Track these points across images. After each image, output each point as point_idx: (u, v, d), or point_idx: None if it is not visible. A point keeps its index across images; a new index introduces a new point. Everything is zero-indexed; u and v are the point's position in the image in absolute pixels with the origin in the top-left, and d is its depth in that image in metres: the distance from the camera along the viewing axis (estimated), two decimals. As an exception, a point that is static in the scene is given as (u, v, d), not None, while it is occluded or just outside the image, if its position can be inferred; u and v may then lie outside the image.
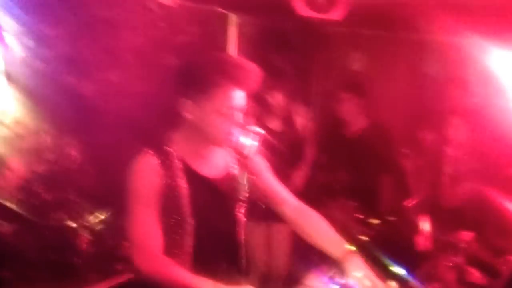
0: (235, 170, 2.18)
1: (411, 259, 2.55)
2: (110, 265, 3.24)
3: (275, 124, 3.72)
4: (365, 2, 3.47)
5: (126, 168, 1.99)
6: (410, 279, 2.36)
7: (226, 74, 1.92)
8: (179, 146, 2.05)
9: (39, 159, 2.82)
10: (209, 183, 2.08)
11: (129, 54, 3.08)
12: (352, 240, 2.62)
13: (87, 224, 3.06)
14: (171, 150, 2.03)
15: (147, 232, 1.94)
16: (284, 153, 3.51)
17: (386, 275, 2.33)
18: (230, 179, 2.15)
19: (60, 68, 2.81)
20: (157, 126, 2.12)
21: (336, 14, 3.45)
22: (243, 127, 2.03)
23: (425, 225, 2.71)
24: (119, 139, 2.96)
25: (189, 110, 1.98)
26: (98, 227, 3.11)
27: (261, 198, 2.27)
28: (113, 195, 2.96)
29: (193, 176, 2.03)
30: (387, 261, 2.42)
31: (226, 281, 1.90)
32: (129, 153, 2.01)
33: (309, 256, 3.71)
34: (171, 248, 2.00)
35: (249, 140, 2.06)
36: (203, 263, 2.03)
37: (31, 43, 2.68)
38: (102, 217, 3.13)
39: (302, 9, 3.37)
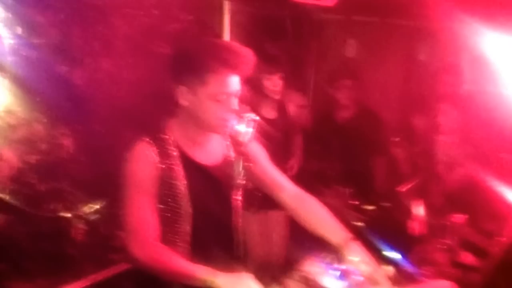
0: (231, 157, 2.18)
1: (405, 243, 2.56)
2: (105, 255, 3.24)
3: (269, 111, 3.71)
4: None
5: (120, 157, 1.98)
6: (404, 263, 2.37)
7: (221, 59, 1.91)
8: (174, 133, 2.04)
9: (31, 149, 2.80)
10: (205, 170, 2.09)
11: (121, 41, 3.06)
12: (347, 226, 2.64)
13: (81, 214, 3.05)
14: (166, 137, 2.03)
15: (143, 220, 1.94)
16: (277, 140, 3.51)
17: (381, 259, 2.35)
18: (225, 166, 2.15)
19: (51, 56, 2.78)
20: (152, 113, 2.11)
21: (329, 1, 3.44)
22: (238, 114, 2.02)
23: (419, 210, 2.72)
24: (113, 127, 2.96)
25: (184, 97, 1.98)
26: (93, 217, 3.11)
27: (259, 185, 2.27)
28: (108, 184, 2.96)
29: (189, 164, 2.03)
30: (381, 246, 2.43)
31: (223, 268, 1.90)
32: (123, 141, 2.01)
33: (306, 242, 3.74)
34: (168, 236, 2.00)
35: (245, 127, 2.05)
36: (200, 250, 2.04)
37: (20, 31, 2.65)
38: (97, 206, 3.12)
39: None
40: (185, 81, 1.96)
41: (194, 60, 1.94)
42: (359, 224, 2.92)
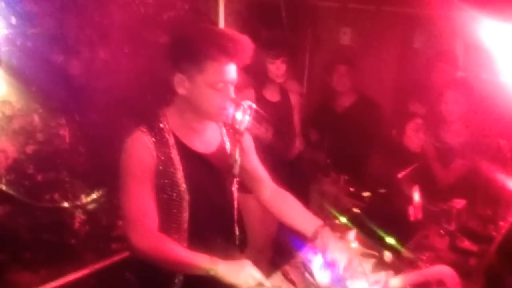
0: (226, 145, 2.19)
1: (403, 229, 2.58)
2: (105, 245, 3.25)
3: (273, 94, 3.73)
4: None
5: (118, 146, 1.98)
6: (402, 249, 2.39)
7: (220, 47, 1.91)
8: (170, 122, 2.05)
9: (28, 139, 2.79)
10: (202, 158, 2.09)
11: (117, 30, 3.04)
12: (345, 213, 2.66)
13: (80, 204, 3.05)
14: (162, 126, 2.02)
15: (141, 209, 1.95)
16: (276, 128, 3.52)
17: (379, 246, 2.36)
18: (221, 154, 2.16)
19: (47, 46, 2.76)
20: (148, 102, 2.11)
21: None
22: (236, 101, 2.03)
23: (416, 196, 2.74)
24: (110, 117, 2.95)
25: (181, 85, 1.97)
26: (92, 207, 3.11)
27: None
28: (106, 174, 2.97)
29: (185, 152, 2.04)
30: (379, 232, 2.44)
31: (222, 255, 1.91)
32: (120, 131, 2.01)
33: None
34: (167, 225, 2.00)
35: (242, 115, 2.06)
36: (199, 238, 2.05)
37: (15, 20, 2.63)
38: (96, 196, 3.12)
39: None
40: (183, 69, 1.95)
41: (192, 47, 1.94)
42: (357, 210, 2.94)
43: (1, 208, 2.71)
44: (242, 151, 2.16)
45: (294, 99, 3.88)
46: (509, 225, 2.11)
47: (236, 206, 2.28)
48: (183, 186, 2.00)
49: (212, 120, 2.11)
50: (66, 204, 2.99)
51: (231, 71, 1.97)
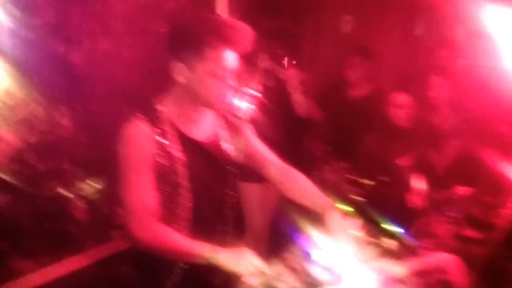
0: (225, 133, 2.19)
1: (406, 217, 2.58)
2: (106, 233, 3.27)
3: (266, 87, 3.71)
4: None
5: (118, 135, 1.98)
6: (405, 236, 2.39)
7: (220, 35, 1.90)
8: (170, 110, 2.04)
9: (30, 129, 2.79)
10: (200, 146, 2.09)
11: (119, 20, 3.04)
12: (346, 200, 2.66)
13: (81, 192, 3.06)
14: (161, 114, 2.02)
15: (141, 198, 1.95)
16: (275, 115, 3.51)
17: (381, 233, 2.37)
18: (219, 142, 2.16)
19: (49, 37, 2.76)
20: (148, 91, 2.11)
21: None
22: (236, 89, 2.02)
23: (419, 183, 2.74)
24: (112, 106, 2.95)
25: (181, 73, 1.97)
26: (93, 196, 3.12)
27: (247, 161, 2.28)
28: (107, 163, 2.97)
29: (185, 140, 2.04)
30: (382, 220, 2.45)
31: (223, 243, 1.92)
32: (121, 120, 2.00)
33: (302, 215, 3.75)
34: (167, 214, 2.01)
35: (242, 103, 2.06)
36: (198, 227, 2.05)
37: (16, 11, 2.62)
38: (96, 185, 3.13)
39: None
40: (183, 57, 1.95)
41: (192, 35, 1.93)
42: (358, 198, 2.94)
43: (2, 197, 2.72)
44: (242, 138, 2.16)
45: (293, 88, 3.86)
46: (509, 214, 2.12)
47: (235, 194, 2.29)
48: (183, 175, 2.00)
49: (211, 108, 2.11)
50: (67, 193, 3.00)
51: (231, 58, 1.96)
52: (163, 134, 1.99)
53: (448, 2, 3.73)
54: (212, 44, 1.91)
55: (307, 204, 2.20)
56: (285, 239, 2.42)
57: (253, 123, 2.34)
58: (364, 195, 3.03)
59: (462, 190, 2.74)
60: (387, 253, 2.27)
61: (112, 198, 3.10)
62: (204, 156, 2.10)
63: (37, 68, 2.72)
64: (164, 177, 1.99)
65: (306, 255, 2.15)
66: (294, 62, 3.85)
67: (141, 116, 1.99)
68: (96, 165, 3.07)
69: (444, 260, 2.18)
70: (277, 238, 3.64)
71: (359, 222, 2.15)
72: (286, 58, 3.64)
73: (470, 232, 2.56)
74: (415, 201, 2.65)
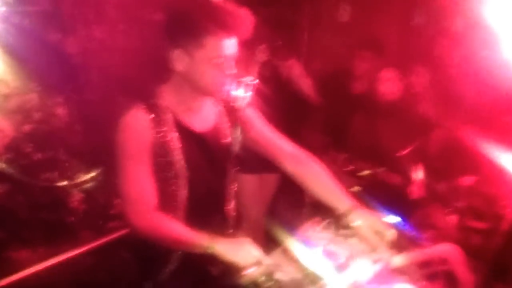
0: (224, 123, 2.16)
1: (405, 208, 2.56)
2: (103, 223, 3.25)
3: (264, 77, 3.69)
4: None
5: (115, 124, 1.95)
6: (405, 227, 2.37)
7: (219, 21, 1.86)
8: (168, 100, 2.00)
9: (25, 118, 2.77)
10: (199, 136, 2.06)
11: (113, 9, 3.01)
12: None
13: (78, 182, 3.04)
14: (159, 103, 1.99)
15: (139, 187, 1.92)
16: (274, 106, 3.49)
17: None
18: (218, 132, 2.13)
19: (43, 25, 2.73)
20: (145, 80, 2.08)
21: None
22: (235, 78, 1.99)
23: (418, 174, 2.72)
24: (107, 96, 2.93)
25: (179, 61, 1.93)
26: (89, 186, 3.10)
27: (257, 150, 2.24)
28: (103, 152, 2.95)
29: (183, 130, 2.00)
30: (381, 211, 2.42)
31: (220, 234, 1.90)
32: (117, 109, 1.98)
33: (301, 207, 3.75)
34: (165, 203, 1.98)
35: (241, 92, 2.03)
36: (196, 216, 2.02)
37: (11, -1, 2.59)
38: (93, 175, 3.11)
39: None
40: (181, 44, 1.91)
41: (191, 22, 1.89)
42: (356, 189, 2.93)
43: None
44: (244, 128, 2.13)
45: (292, 78, 3.84)
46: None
47: (233, 185, 2.26)
48: (181, 164, 1.98)
49: (210, 97, 2.07)
50: (63, 183, 2.98)
51: (231, 45, 1.93)
52: (161, 123, 1.96)
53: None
54: (211, 30, 1.87)
55: (324, 199, 2.13)
56: (283, 229, 2.40)
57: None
58: (363, 186, 3.02)
59: (464, 181, 2.72)
60: (387, 244, 2.25)
61: (109, 188, 3.08)
62: (202, 147, 2.07)
63: (32, 56, 2.70)
64: (162, 166, 1.96)
65: (305, 246, 2.13)
66: (292, 52, 3.83)
67: (138, 105, 1.96)
68: (93, 155, 3.05)
69: (446, 250, 2.17)
70: (274, 228, 3.64)
71: (386, 221, 2.08)
72: (284, 48, 3.61)
73: (472, 223, 2.55)
74: (416, 191, 2.65)
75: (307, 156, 2.21)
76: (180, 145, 1.98)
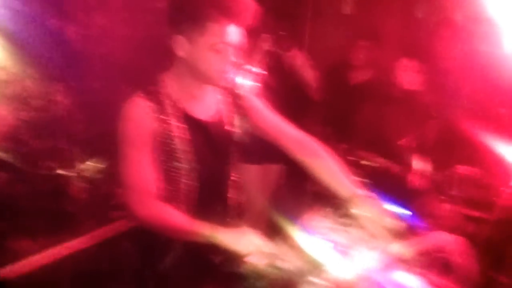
0: (226, 111, 2.15)
1: (406, 197, 2.55)
2: (105, 213, 3.25)
3: (266, 67, 3.67)
4: None
5: (117, 113, 1.94)
6: (406, 217, 2.37)
7: (222, 8, 1.85)
8: (170, 87, 2.00)
9: (25, 106, 2.75)
10: (202, 124, 2.05)
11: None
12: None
13: (79, 172, 3.03)
14: (162, 91, 1.98)
15: (141, 176, 1.92)
16: (276, 95, 3.48)
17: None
18: (221, 120, 2.12)
19: (44, 11, 2.71)
20: (147, 68, 2.06)
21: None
22: (239, 66, 1.98)
23: (416, 163, 2.72)
24: (109, 84, 2.91)
25: (181, 47, 1.92)
26: (91, 175, 3.09)
27: (261, 136, 2.22)
28: (105, 141, 2.93)
29: (185, 118, 2.00)
30: (382, 200, 2.42)
31: (223, 224, 1.89)
32: (119, 97, 1.96)
33: (303, 196, 3.74)
34: (167, 192, 1.97)
35: (245, 80, 2.02)
36: (200, 207, 2.02)
37: (11, -16, 2.57)
38: (95, 164, 3.09)
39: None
40: (183, 30, 1.90)
41: (194, 8, 1.88)
42: (358, 179, 2.91)
43: None
44: (248, 116, 2.12)
45: (294, 68, 3.82)
46: (509, 194, 2.11)
47: (237, 174, 2.25)
48: (184, 153, 1.97)
49: (212, 84, 2.06)
50: (64, 172, 2.96)
51: (233, 33, 1.92)
52: (164, 112, 1.95)
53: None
54: (214, 17, 1.86)
55: (329, 185, 2.13)
56: (286, 218, 2.39)
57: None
58: (363, 176, 3.00)
59: (461, 170, 2.72)
60: (388, 232, 2.24)
61: (111, 177, 3.07)
62: (206, 135, 2.06)
63: (32, 43, 2.67)
64: (165, 155, 1.96)
65: (307, 234, 2.12)
66: (294, 42, 3.81)
67: (141, 92, 1.95)
68: (94, 144, 3.04)
69: (445, 239, 2.17)
70: (277, 217, 3.64)
71: (389, 210, 2.09)
72: (287, 38, 3.59)
73: (471, 212, 2.55)
74: (414, 181, 2.64)
75: (313, 142, 2.21)
76: (184, 134, 1.97)
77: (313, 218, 2.16)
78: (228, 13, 1.87)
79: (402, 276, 1.92)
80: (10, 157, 2.70)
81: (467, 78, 3.60)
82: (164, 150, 1.96)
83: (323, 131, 4.05)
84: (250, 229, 1.88)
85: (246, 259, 1.80)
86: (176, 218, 1.89)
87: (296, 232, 2.12)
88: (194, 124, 2.02)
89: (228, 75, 1.99)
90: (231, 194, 2.25)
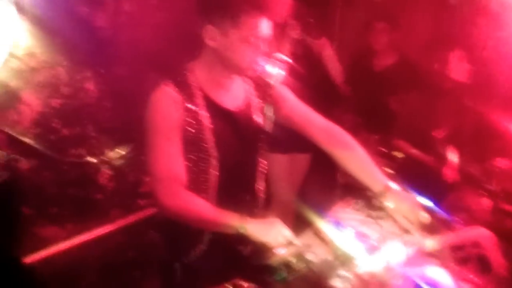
0: (254, 101, 2.11)
1: (439, 190, 2.50)
2: (132, 201, 3.25)
3: (296, 56, 3.62)
4: None
5: (145, 101, 1.92)
6: (438, 210, 2.32)
7: (254, 1, 1.85)
8: (198, 76, 1.98)
9: (54, 93, 2.76)
10: (230, 114, 2.03)
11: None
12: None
13: (107, 159, 3.04)
14: (190, 80, 1.96)
15: (169, 165, 1.90)
16: (305, 85, 3.43)
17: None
18: (248, 110, 2.09)
19: (73, -3, 2.71)
20: (175, 56, 2.04)
21: None
22: (268, 56, 1.95)
23: (452, 156, 2.66)
24: (137, 71, 2.90)
25: (211, 37, 1.90)
26: (119, 163, 3.09)
27: (290, 126, 2.19)
28: (133, 129, 2.94)
29: (214, 107, 1.98)
30: (414, 192, 2.37)
31: (250, 214, 1.87)
32: (147, 85, 1.95)
33: (333, 187, 3.70)
34: (195, 182, 1.95)
35: (274, 69, 1.99)
36: (226, 197, 2.00)
37: (40, -29, 2.56)
38: (123, 152, 3.10)
39: None
40: (214, 20, 1.88)
41: (228, 1, 1.87)
42: (389, 171, 2.86)
43: (27, 162, 2.71)
44: (276, 105, 2.08)
45: (324, 58, 3.76)
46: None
47: (263, 164, 2.22)
48: (211, 143, 1.95)
49: (241, 74, 2.03)
50: (92, 159, 2.97)
51: (266, 25, 1.90)
52: (191, 100, 1.93)
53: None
54: (246, 10, 1.84)
55: (359, 176, 2.10)
56: (314, 210, 2.36)
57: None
58: (396, 168, 2.95)
59: (498, 163, 2.64)
60: (420, 226, 2.20)
61: (138, 165, 3.07)
62: (233, 125, 2.03)
63: (61, 30, 2.67)
64: (192, 144, 1.94)
65: (337, 227, 2.09)
66: (324, 30, 3.75)
67: (169, 81, 1.93)
68: (122, 131, 3.04)
69: (479, 234, 2.12)
70: (305, 209, 3.61)
71: (422, 204, 2.05)
72: (316, 26, 3.52)
73: (505, 206, 2.48)
74: (450, 174, 2.58)
75: (342, 132, 2.18)
76: (211, 123, 1.95)
77: (343, 210, 2.13)
78: (261, 7, 1.86)
79: (433, 271, 1.88)
80: (37, 144, 2.71)
81: (503, 68, 3.50)
82: (191, 140, 1.93)
83: (353, 121, 4.00)
84: (278, 220, 1.86)
85: (275, 251, 1.78)
86: (204, 208, 1.88)
87: (324, 224, 2.09)
88: (222, 114, 2.00)
89: (257, 65, 1.96)
90: (258, 184, 2.22)
